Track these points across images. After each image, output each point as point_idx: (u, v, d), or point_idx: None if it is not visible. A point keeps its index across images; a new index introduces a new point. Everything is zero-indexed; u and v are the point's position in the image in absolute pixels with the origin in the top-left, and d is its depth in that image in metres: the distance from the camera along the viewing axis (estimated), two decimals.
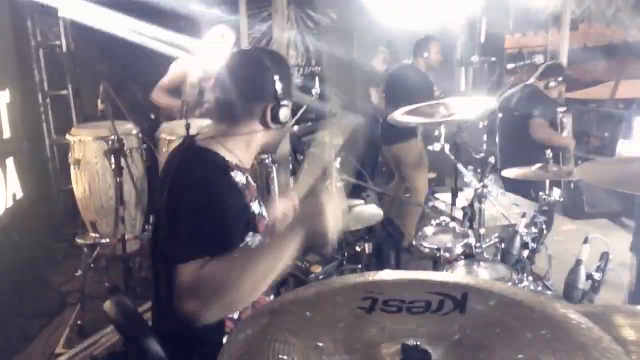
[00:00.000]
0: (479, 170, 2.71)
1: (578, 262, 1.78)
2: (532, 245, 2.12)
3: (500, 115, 3.83)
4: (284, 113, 1.49)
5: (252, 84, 1.49)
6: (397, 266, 3.38)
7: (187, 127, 3.08)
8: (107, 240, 3.42)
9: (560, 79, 3.66)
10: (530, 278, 2.14)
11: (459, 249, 2.38)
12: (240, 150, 1.52)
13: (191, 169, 1.41)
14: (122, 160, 3.16)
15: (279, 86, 1.47)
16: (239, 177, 1.48)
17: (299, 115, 4.22)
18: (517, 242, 2.08)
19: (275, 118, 1.49)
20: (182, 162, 1.45)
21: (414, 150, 4.17)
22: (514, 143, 3.68)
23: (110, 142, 3.26)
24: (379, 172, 5.33)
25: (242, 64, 1.52)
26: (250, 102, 1.49)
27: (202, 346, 1.42)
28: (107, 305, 1.53)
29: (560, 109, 3.98)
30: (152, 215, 3.59)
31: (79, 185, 3.50)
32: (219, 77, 1.54)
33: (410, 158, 4.20)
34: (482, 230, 2.43)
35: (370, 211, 2.54)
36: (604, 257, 1.79)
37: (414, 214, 4.18)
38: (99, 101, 3.02)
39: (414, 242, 2.56)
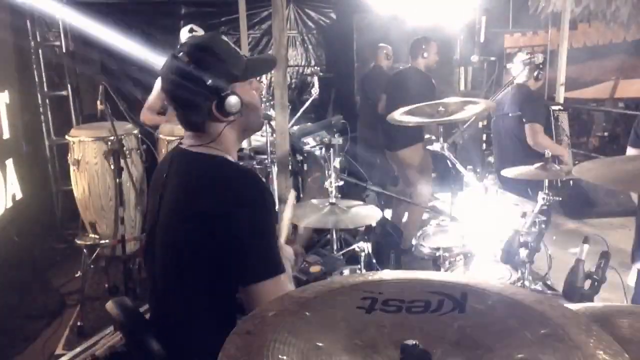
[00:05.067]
0: (478, 170, 2.71)
1: (578, 262, 1.78)
2: (532, 245, 2.11)
3: (494, 118, 3.83)
4: (230, 102, 1.40)
5: (180, 92, 1.42)
6: (397, 266, 3.38)
7: None
8: (107, 241, 3.42)
9: (540, 65, 3.65)
10: (530, 278, 2.14)
11: (459, 249, 2.38)
12: (231, 148, 1.50)
13: (244, 186, 1.40)
14: (122, 161, 3.16)
15: (206, 80, 1.38)
16: None
17: (298, 114, 4.24)
18: (517, 242, 2.08)
19: (225, 112, 1.41)
20: (222, 178, 1.41)
21: (420, 154, 4.16)
22: (509, 144, 3.68)
23: (109, 142, 3.26)
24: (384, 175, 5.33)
25: (166, 75, 1.45)
26: (191, 109, 1.43)
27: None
28: (109, 305, 1.53)
29: (555, 107, 3.97)
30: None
31: (79, 186, 3.50)
32: (162, 89, 1.52)
33: (416, 162, 4.19)
34: (482, 231, 2.43)
35: (369, 211, 2.54)
36: (604, 256, 1.78)
37: (417, 216, 4.18)
38: (98, 102, 3.03)
39: (413, 242, 2.56)
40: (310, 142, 3.95)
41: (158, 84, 3.85)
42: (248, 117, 1.49)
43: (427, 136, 4.21)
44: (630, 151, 2.63)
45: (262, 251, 1.37)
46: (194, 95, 1.41)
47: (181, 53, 1.42)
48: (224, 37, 1.51)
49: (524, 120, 3.55)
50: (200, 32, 3.82)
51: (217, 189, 1.38)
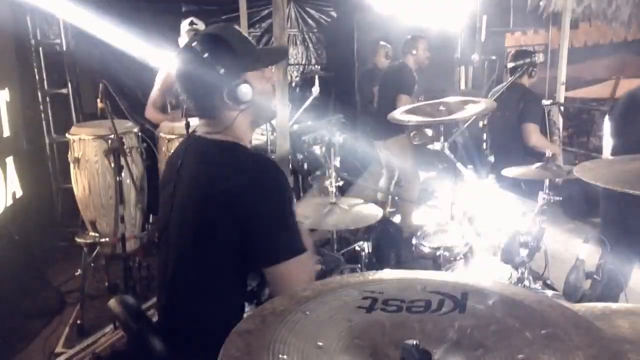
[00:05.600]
0: (478, 169, 2.71)
1: (578, 262, 1.78)
2: (532, 244, 2.11)
3: (489, 114, 3.84)
4: (243, 91, 1.43)
5: (193, 81, 1.45)
6: (398, 265, 3.38)
7: (187, 125, 3.08)
8: (107, 239, 3.42)
9: (535, 62, 3.66)
10: (530, 277, 2.14)
11: (459, 249, 2.38)
12: (243, 135, 1.53)
13: (259, 170, 1.43)
14: (122, 159, 3.16)
15: (219, 69, 1.41)
16: None
17: (298, 114, 4.23)
18: (517, 242, 2.08)
19: (238, 101, 1.44)
20: (238, 163, 1.44)
21: (403, 145, 4.34)
22: (506, 143, 3.69)
23: (110, 141, 3.26)
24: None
25: (180, 65, 1.49)
26: (204, 98, 1.47)
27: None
28: (112, 302, 1.54)
29: (546, 103, 4.00)
30: (153, 214, 3.61)
31: (79, 184, 3.49)
32: (176, 81, 1.54)
33: (399, 152, 4.37)
34: (482, 230, 2.43)
35: (369, 210, 2.53)
36: (604, 256, 1.79)
37: (409, 208, 4.29)
38: (98, 100, 3.02)
39: (414, 242, 2.56)
40: (310, 141, 3.96)
41: (159, 79, 3.86)
42: (260, 106, 1.52)
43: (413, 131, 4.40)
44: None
45: (281, 232, 1.39)
46: (206, 84, 1.44)
47: (194, 42, 1.45)
48: (237, 27, 1.53)
49: (520, 119, 3.58)
50: (200, 24, 3.83)
51: (232, 173, 1.41)
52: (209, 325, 1.44)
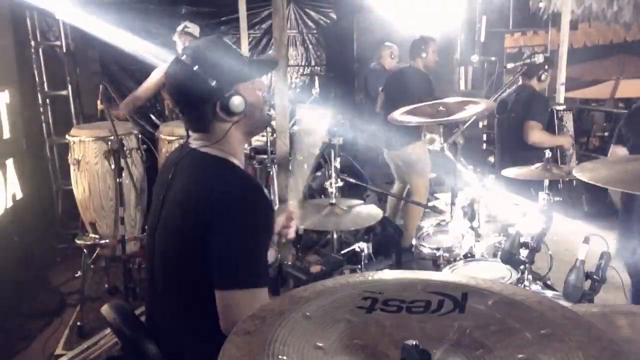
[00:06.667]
0: (478, 170, 2.71)
1: (578, 262, 1.78)
2: (532, 245, 2.11)
3: (497, 116, 3.84)
4: (235, 102, 1.41)
5: (185, 95, 1.45)
6: (397, 266, 3.38)
7: (188, 133, 3.08)
8: (107, 241, 3.42)
9: (547, 66, 3.65)
10: (530, 278, 2.14)
11: (459, 249, 2.38)
12: (237, 148, 1.52)
13: (238, 192, 1.40)
14: (122, 161, 3.17)
15: (211, 81, 1.39)
16: None
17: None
18: (517, 242, 2.08)
19: (229, 112, 1.43)
20: (220, 182, 1.42)
21: (420, 153, 4.15)
22: (512, 144, 3.68)
23: (110, 142, 3.26)
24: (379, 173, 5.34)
25: (170, 79, 1.48)
26: (197, 110, 1.45)
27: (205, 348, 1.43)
28: (105, 309, 1.53)
29: (559, 107, 3.97)
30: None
31: (79, 185, 3.50)
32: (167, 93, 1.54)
33: (416, 161, 4.17)
34: (482, 230, 2.43)
35: (369, 211, 2.54)
36: (604, 256, 1.78)
37: (416, 215, 4.16)
38: (98, 102, 3.03)
39: (413, 242, 2.56)
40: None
41: (152, 78, 3.87)
42: (253, 117, 1.50)
43: (428, 135, 4.19)
44: (616, 149, 2.64)
45: (240, 258, 1.35)
46: (198, 98, 1.43)
47: (184, 56, 1.44)
48: (225, 39, 1.53)
49: (524, 119, 3.56)
50: (194, 28, 3.84)
51: (212, 192, 1.39)
52: (194, 335, 1.44)
